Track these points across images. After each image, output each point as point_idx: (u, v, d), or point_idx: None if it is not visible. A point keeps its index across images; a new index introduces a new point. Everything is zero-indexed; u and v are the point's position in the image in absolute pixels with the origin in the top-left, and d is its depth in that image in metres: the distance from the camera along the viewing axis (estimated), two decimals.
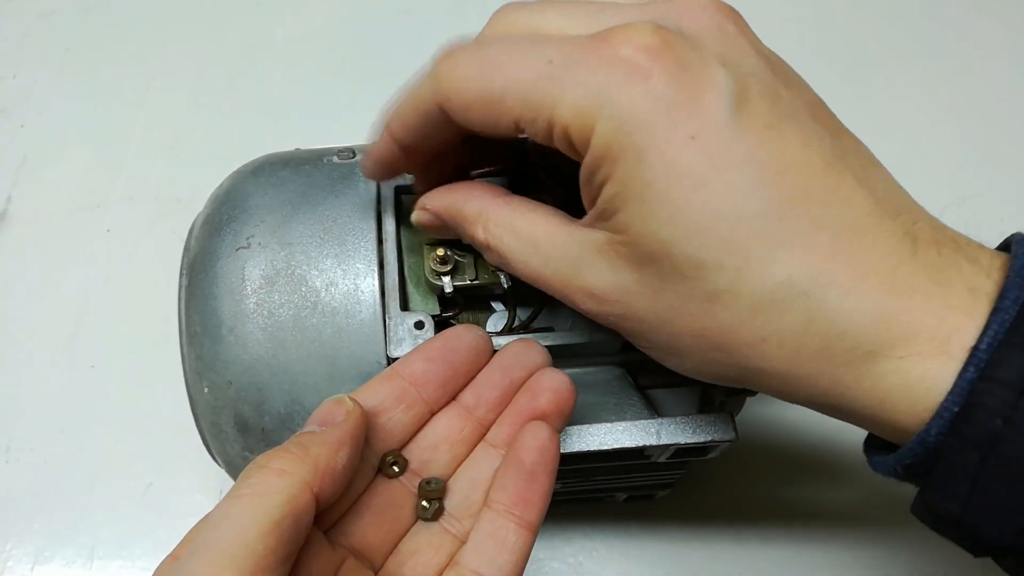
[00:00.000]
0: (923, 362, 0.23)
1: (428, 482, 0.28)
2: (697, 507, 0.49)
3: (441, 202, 0.31)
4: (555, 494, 0.43)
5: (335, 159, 0.36)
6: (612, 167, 0.24)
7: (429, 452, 0.29)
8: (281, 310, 0.33)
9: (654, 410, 0.35)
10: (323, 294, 0.33)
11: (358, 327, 0.32)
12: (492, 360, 0.30)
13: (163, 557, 0.25)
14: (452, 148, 0.31)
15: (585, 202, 0.26)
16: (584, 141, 0.24)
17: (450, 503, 0.29)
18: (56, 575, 0.48)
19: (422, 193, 0.32)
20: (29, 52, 0.67)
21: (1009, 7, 0.69)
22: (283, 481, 0.23)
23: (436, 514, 0.28)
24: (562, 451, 0.32)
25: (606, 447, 0.32)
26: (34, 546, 0.49)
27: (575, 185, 0.27)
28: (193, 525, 0.25)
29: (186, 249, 0.35)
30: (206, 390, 0.33)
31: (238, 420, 0.33)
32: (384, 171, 0.32)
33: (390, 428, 0.29)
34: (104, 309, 0.56)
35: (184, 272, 0.35)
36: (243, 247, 0.33)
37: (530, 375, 0.30)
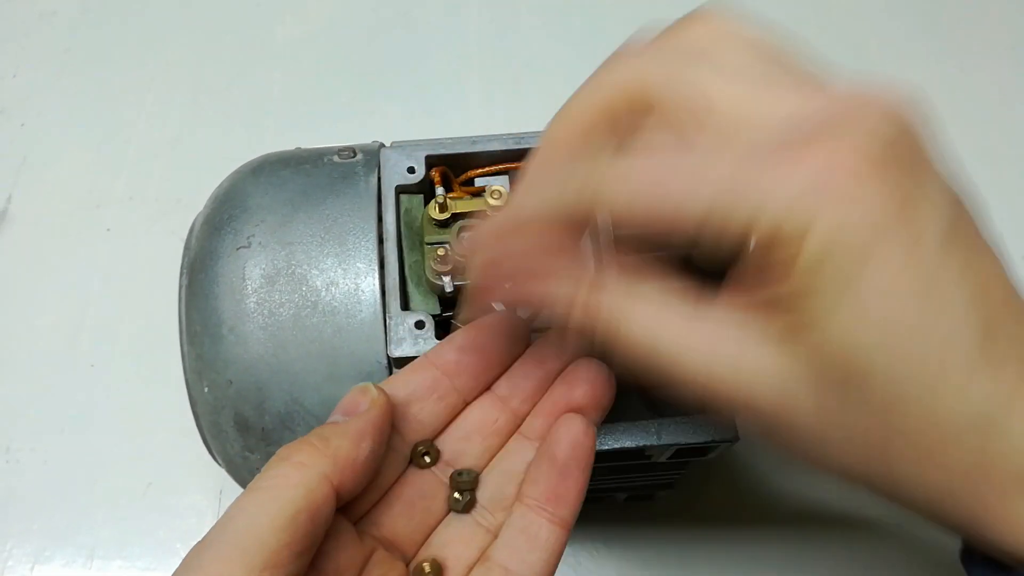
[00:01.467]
0: None
1: (460, 473, 0.28)
2: (697, 507, 0.49)
3: (523, 289, 0.26)
4: None
5: (335, 158, 0.36)
6: (822, 277, 0.21)
7: (462, 443, 0.29)
8: (281, 309, 0.33)
9: (654, 410, 0.35)
10: (323, 293, 0.33)
11: (358, 327, 0.32)
12: (528, 350, 0.30)
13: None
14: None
15: (738, 282, 0.23)
16: (796, 244, 0.21)
17: (483, 495, 0.28)
18: (56, 575, 0.48)
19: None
20: (29, 52, 0.67)
21: (1009, 7, 0.69)
22: (300, 474, 0.23)
23: (468, 506, 0.28)
24: None
25: (606, 447, 0.32)
26: (34, 546, 0.49)
27: None
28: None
29: (186, 249, 0.35)
30: (206, 389, 0.33)
31: (238, 419, 0.33)
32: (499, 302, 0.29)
33: (422, 418, 0.28)
34: (104, 309, 0.56)
35: (184, 272, 0.35)
36: (243, 246, 0.33)
37: (565, 365, 0.29)
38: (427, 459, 0.28)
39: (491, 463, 0.29)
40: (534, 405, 0.29)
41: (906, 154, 0.22)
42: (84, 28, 0.68)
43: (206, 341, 0.33)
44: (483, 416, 0.29)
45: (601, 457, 0.33)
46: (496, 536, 0.27)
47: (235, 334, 0.32)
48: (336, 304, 0.33)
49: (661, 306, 0.24)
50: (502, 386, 0.29)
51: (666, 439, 0.32)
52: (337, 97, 0.65)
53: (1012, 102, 0.64)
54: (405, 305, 0.34)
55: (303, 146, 0.38)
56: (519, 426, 0.29)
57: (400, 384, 0.28)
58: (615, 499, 0.47)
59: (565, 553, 0.47)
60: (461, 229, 0.35)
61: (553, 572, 0.27)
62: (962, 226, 0.22)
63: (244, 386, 0.32)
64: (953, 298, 0.21)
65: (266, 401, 0.32)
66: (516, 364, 0.29)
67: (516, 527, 0.27)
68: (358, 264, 0.33)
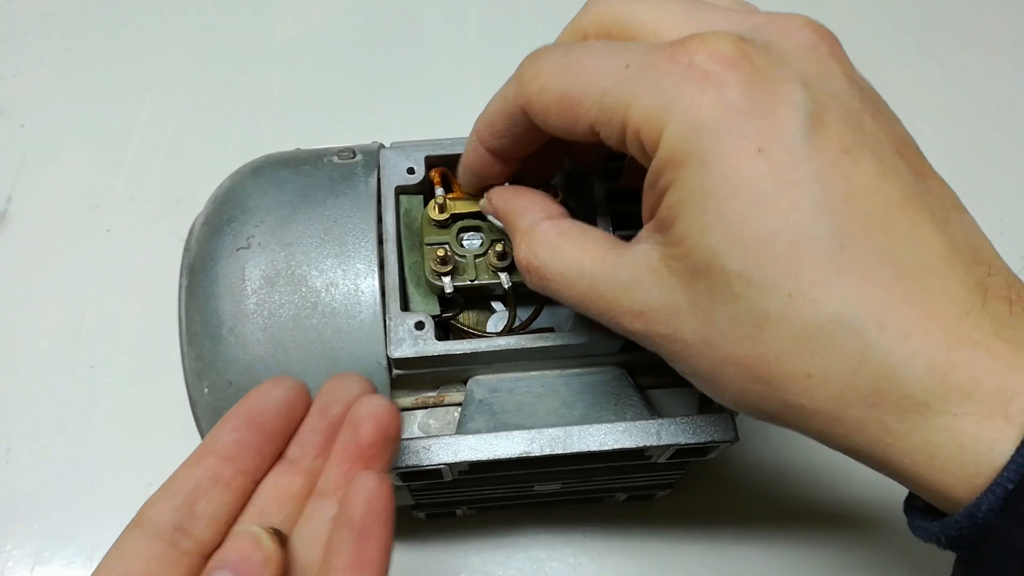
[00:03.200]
0: (979, 422, 0.21)
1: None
2: (697, 507, 0.49)
3: (502, 203, 0.31)
4: (555, 494, 0.43)
5: (335, 159, 0.36)
6: (676, 172, 0.23)
7: (259, 520, 0.27)
8: (281, 310, 0.33)
9: (654, 410, 0.35)
10: (323, 294, 0.33)
11: (358, 327, 0.32)
12: (312, 404, 0.28)
13: None
14: (543, 157, 0.31)
15: (645, 213, 0.26)
16: (653, 144, 0.23)
17: (294, 568, 0.26)
18: (56, 575, 0.48)
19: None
20: (29, 52, 0.67)
21: (1009, 7, 0.69)
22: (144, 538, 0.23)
23: None
24: (563, 451, 0.32)
25: (606, 447, 0.32)
26: (34, 546, 0.49)
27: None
28: None
29: (186, 249, 0.35)
30: (206, 390, 0.33)
31: None
32: (477, 179, 0.33)
33: (211, 512, 0.26)
34: (104, 309, 0.56)
35: (184, 272, 0.35)
36: (243, 247, 0.33)
37: (348, 408, 0.28)
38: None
39: (293, 532, 0.27)
40: (327, 459, 0.28)
41: (778, 56, 0.23)
42: (84, 28, 0.68)
43: (206, 342, 0.33)
44: (277, 486, 0.28)
45: (601, 457, 0.33)
46: None
47: (235, 335, 0.32)
48: (336, 305, 0.33)
49: (584, 242, 0.27)
50: (292, 449, 0.28)
51: (666, 439, 0.33)
52: (337, 97, 0.65)
53: (1012, 102, 0.64)
54: (405, 306, 0.34)
55: (303, 146, 0.38)
56: (315, 484, 0.28)
57: (180, 481, 0.27)
58: (615, 499, 0.48)
59: (565, 553, 0.48)
60: (461, 230, 0.35)
61: None
62: (837, 130, 0.22)
63: (244, 387, 0.32)
64: (803, 201, 0.22)
65: None
66: (303, 423, 0.28)
67: None
68: (358, 265, 0.33)
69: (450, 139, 0.37)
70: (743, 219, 0.22)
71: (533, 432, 0.32)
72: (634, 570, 0.47)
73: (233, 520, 0.27)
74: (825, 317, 0.22)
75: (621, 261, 0.26)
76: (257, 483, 0.28)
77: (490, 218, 0.33)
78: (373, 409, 0.27)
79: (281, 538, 0.25)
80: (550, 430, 0.33)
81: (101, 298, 0.56)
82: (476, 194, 0.34)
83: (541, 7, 0.67)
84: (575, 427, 0.33)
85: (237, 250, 0.33)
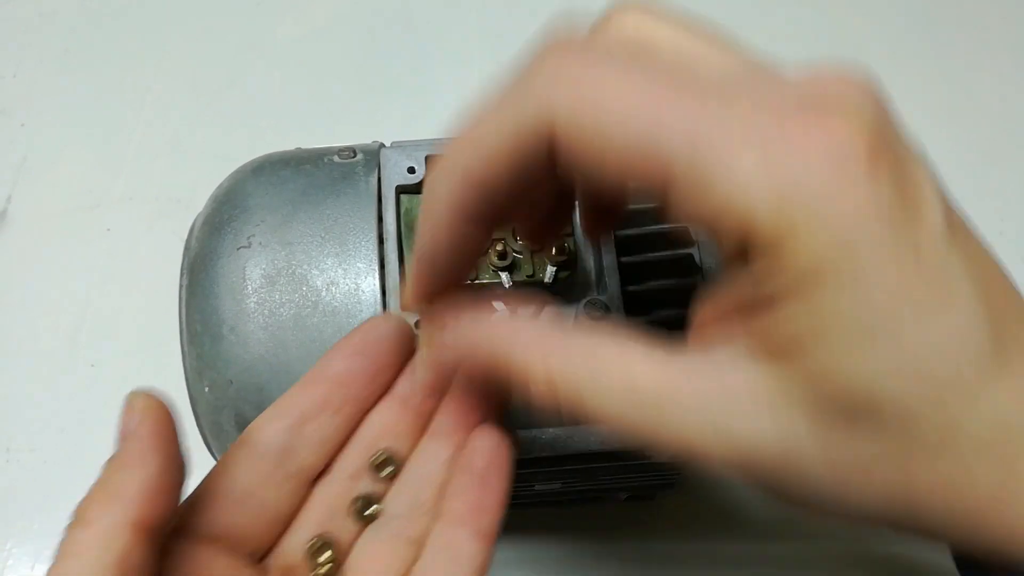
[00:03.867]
0: None
1: (357, 499, 0.27)
2: (697, 507, 0.49)
3: (466, 340, 0.24)
4: (555, 494, 0.43)
5: (336, 158, 0.36)
6: (811, 290, 0.18)
7: (369, 452, 0.27)
8: (282, 309, 0.33)
9: None
10: (324, 293, 0.33)
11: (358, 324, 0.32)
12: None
13: None
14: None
15: (738, 327, 0.21)
16: (775, 252, 0.18)
17: (400, 504, 0.27)
18: None
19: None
20: (29, 52, 0.67)
21: (1009, 7, 0.69)
22: (91, 533, 0.22)
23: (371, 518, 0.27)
24: (563, 451, 0.32)
25: (606, 447, 0.32)
26: (34, 546, 0.49)
27: None
28: None
29: (186, 249, 0.35)
30: (207, 389, 0.33)
31: (239, 419, 0.33)
32: (439, 276, 0.25)
33: (319, 436, 0.27)
34: (104, 309, 0.56)
35: (184, 271, 0.35)
36: (244, 246, 0.33)
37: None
38: (372, 509, 0.27)
39: (404, 468, 0.27)
40: (439, 399, 0.28)
41: (893, 141, 0.19)
42: (84, 28, 0.68)
43: (206, 341, 0.33)
44: (386, 420, 0.27)
45: (602, 457, 0.33)
46: (418, 545, 0.26)
47: (235, 334, 0.32)
48: (336, 304, 0.33)
49: (628, 358, 0.21)
50: (402, 385, 0.28)
51: None
52: (337, 97, 0.65)
53: (1012, 102, 0.64)
54: None
55: (303, 146, 0.38)
56: (426, 424, 0.28)
57: (289, 404, 0.27)
58: (615, 499, 0.47)
59: (566, 554, 0.48)
60: None
61: None
62: (955, 219, 0.20)
63: (245, 386, 0.32)
64: (959, 302, 0.19)
65: (267, 401, 0.32)
66: (414, 358, 0.28)
67: (438, 545, 0.25)
68: (358, 264, 0.33)
69: (451, 138, 0.37)
70: (911, 342, 0.18)
71: (533, 432, 0.32)
72: (634, 570, 0.47)
73: (339, 447, 0.27)
74: (988, 431, 0.19)
75: (696, 381, 0.20)
76: (365, 413, 0.28)
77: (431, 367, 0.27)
78: None
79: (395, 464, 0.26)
80: (550, 430, 0.33)
81: (101, 298, 0.56)
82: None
83: (541, 7, 0.67)
84: (575, 427, 0.33)
85: (238, 249, 0.33)
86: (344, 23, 0.69)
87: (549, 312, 0.25)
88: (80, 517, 0.22)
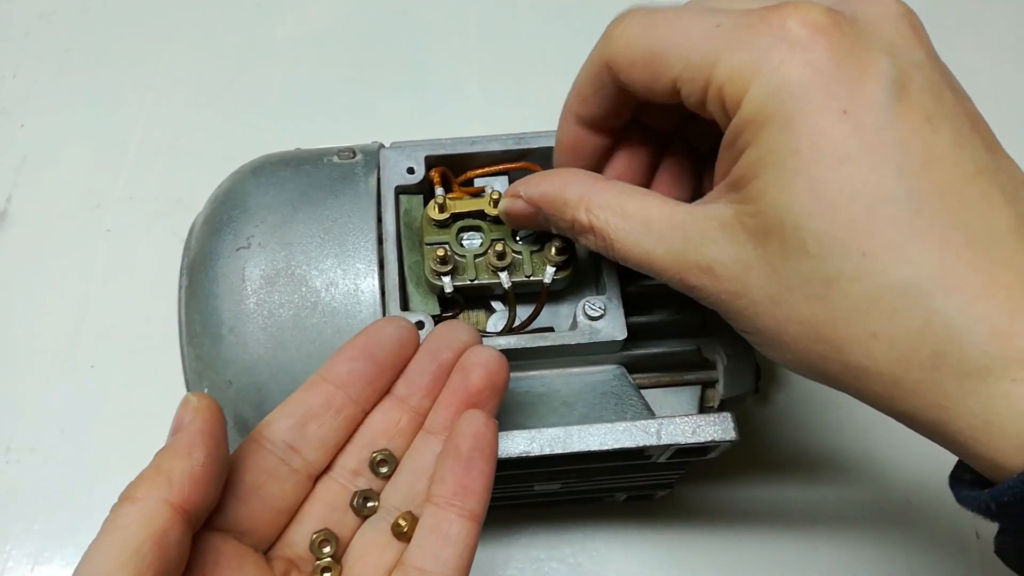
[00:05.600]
0: None
1: (357, 495, 0.29)
2: (697, 507, 0.49)
3: (537, 188, 0.31)
4: (555, 494, 0.43)
5: (335, 159, 0.36)
6: (757, 131, 0.23)
7: (367, 451, 0.29)
8: (281, 310, 0.33)
9: (654, 410, 0.35)
10: (323, 294, 0.33)
11: (358, 327, 0.32)
12: (421, 346, 0.30)
13: None
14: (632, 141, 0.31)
15: (718, 172, 0.26)
16: (735, 102, 0.24)
17: (396, 497, 0.29)
18: (56, 575, 0.48)
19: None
20: (29, 52, 0.67)
21: (1009, 7, 0.69)
22: (137, 508, 0.24)
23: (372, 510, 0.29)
24: (563, 451, 0.32)
25: (606, 447, 0.32)
26: (34, 546, 0.49)
27: None
28: None
29: (186, 249, 0.35)
30: (206, 390, 0.33)
31: (238, 420, 0.33)
32: (573, 158, 0.31)
33: (321, 435, 0.29)
34: (104, 309, 0.56)
35: (184, 272, 0.35)
36: (243, 247, 0.33)
37: (459, 355, 0.30)
38: (370, 505, 0.29)
39: (400, 464, 0.29)
40: (434, 399, 0.30)
41: (846, 30, 0.23)
42: (84, 28, 0.68)
43: (206, 341, 0.33)
44: (385, 420, 0.30)
45: (601, 457, 0.33)
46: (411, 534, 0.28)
47: (235, 335, 0.32)
48: (336, 305, 0.33)
49: (647, 198, 0.28)
50: (400, 387, 0.30)
51: (666, 439, 0.32)
52: (337, 97, 0.65)
53: (1012, 102, 0.64)
54: (405, 306, 0.34)
55: (303, 146, 0.38)
56: (423, 423, 0.30)
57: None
58: (615, 499, 0.48)
59: (565, 553, 0.48)
60: (461, 230, 0.35)
61: (468, 565, 0.27)
62: (920, 99, 0.23)
63: (244, 386, 0.32)
64: (884, 164, 0.22)
65: (266, 402, 0.32)
66: (411, 362, 0.30)
67: (427, 527, 0.27)
68: (358, 265, 0.33)
69: (450, 139, 0.37)
70: (824, 178, 0.22)
71: (533, 432, 0.32)
72: (634, 570, 0.47)
73: (341, 446, 0.29)
74: (896, 279, 0.22)
75: (691, 217, 0.26)
76: (366, 414, 0.30)
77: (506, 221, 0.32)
78: (485, 358, 0.29)
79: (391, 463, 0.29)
80: (550, 430, 0.33)
81: (101, 298, 0.56)
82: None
83: (541, 7, 0.67)
84: (575, 427, 0.33)
85: (237, 250, 0.33)
86: (344, 23, 0.69)
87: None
88: (128, 495, 0.24)
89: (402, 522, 0.28)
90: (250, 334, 0.32)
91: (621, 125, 0.31)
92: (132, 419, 0.52)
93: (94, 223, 0.59)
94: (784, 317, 0.24)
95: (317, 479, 0.29)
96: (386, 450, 0.29)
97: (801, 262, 0.23)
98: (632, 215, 0.27)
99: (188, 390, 0.34)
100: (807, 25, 0.23)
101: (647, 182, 0.33)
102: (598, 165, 0.32)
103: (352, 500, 0.28)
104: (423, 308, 0.34)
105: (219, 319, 0.33)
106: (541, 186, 0.30)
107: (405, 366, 0.30)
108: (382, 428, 0.29)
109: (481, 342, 0.30)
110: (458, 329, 0.30)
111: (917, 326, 0.22)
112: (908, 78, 0.23)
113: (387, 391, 0.30)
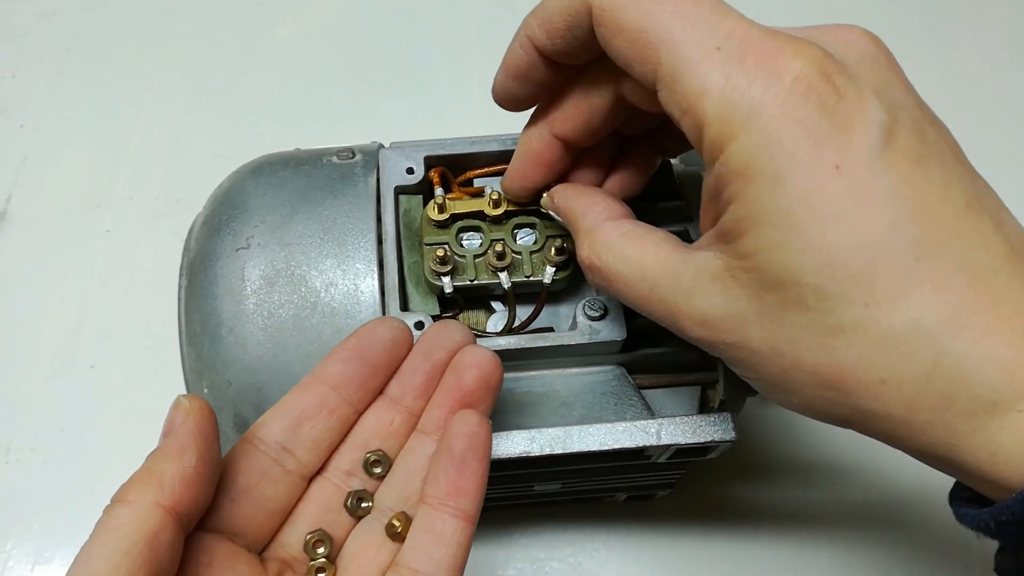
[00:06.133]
0: None
1: (350, 496, 0.29)
2: (697, 507, 0.49)
3: (564, 202, 0.31)
4: (555, 494, 0.43)
5: (335, 159, 0.36)
6: (745, 186, 0.23)
7: (361, 452, 0.29)
8: (281, 310, 0.33)
9: (654, 410, 0.35)
10: (323, 294, 0.33)
11: (358, 327, 0.32)
12: (414, 346, 0.30)
13: None
14: (599, 152, 0.32)
15: (704, 219, 0.26)
16: (718, 146, 0.23)
17: (389, 497, 0.29)
18: (56, 575, 0.48)
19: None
20: (29, 52, 0.67)
21: (1009, 7, 0.69)
22: (128, 510, 0.24)
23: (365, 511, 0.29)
24: (563, 451, 0.32)
25: (606, 447, 0.32)
26: (34, 546, 0.49)
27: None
28: None
29: (186, 249, 0.35)
30: (206, 390, 0.33)
31: (238, 420, 0.33)
32: (519, 85, 0.30)
33: (315, 436, 0.28)
34: (104, 309, 0.56)
35: (184, 272, 0.35)
36: (243, 247, 0.33)
37: (452, 355, 0.30)
38: (364, 505, 0.29)
39: (394, 464, 0.29)
40: (427, 400, 0.30)
41: (836, 78, 0.23)
42: (84, 28, 0.68)
43: (205, 342, 0.33)
44: (378, 421, 0.30)
45: (601, 457, 0.33)
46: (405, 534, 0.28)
47: (234, 335, 0.32)
48: (335, 305, 0.33)
49: (645, 244, 0.27)
50: (393, 387, 0.30)
51: (666, 439, 0.33)
52: (337, 97, 0.65)
53: (1012, 102, 0.64)
54: (404, 306, 0.34)
55: (303, 146, 0.38)
56: (416, 423, 0.30)
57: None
58: (615, 499, 0.48)
59: (565, 553, 0.48)
60: (460, 230, 0.35)
61: (462, 565, 0.27)
62: (907, 142, 0.23)
63: (243, 387, 0.32)
64: (880, 216, 0.22)
65: (265, 402, 0.32)
66: (404, 363, 0.30)
67: (421, 527, 0.27)
68: (357, 265, 0.33)
69: (450, 139, 0.37)
70: (820, 236, 0.22)
71: (533, 432, 0.32)
72: (634, 570, 0.47)
73: (335, 447, 0.29)
74: (902, 325, 0.22)
75: (683, 267, 0.26)
76: (359, 415, 0.30)
77: (552, 214, 0.33)
78: (478, 358, 0.29)
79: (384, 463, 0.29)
80: (550, 430, 0.33)
81: (101, 298, 0.56)
82: (521, 198, 0.34)
83: None
84: (575, 427, 0.33)
85: (237, 250, 0.33)
86: (344, 23, 0.69)
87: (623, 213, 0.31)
88: (120, 497, 0.24)
89: (396, 523, 0.28)
90: (250, 334, 0.32)
91: (582, 65, 0.29)
92: (132, 419, 0.52)
93: (94, 223, 0.59)
94: (788, 366, 0.24)
95: (311, 480, 0.29)
96: (380, 451, 0.29)
97: (802, 315, 0.23)
98: (630, 260, 0.27)
99: (188, 390, 0.34)
100: (801, 79, 0.23)
101: (606, 173, 0.33)
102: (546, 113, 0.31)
103: (346, 501, 0.28)
104: (423, 308, 0.34)
105: (219, 319, 0.33)
106: (568, 201, 0.31)
107: (398, 367, 0.30)
108: (375, 429, 0.29)
109: (475, 342, 0.30)
110: (451, 329, 0.30)
111: (925, 369, 0.22)
112: (895, 121, 0.23)
113: (380, 392, 0.30)
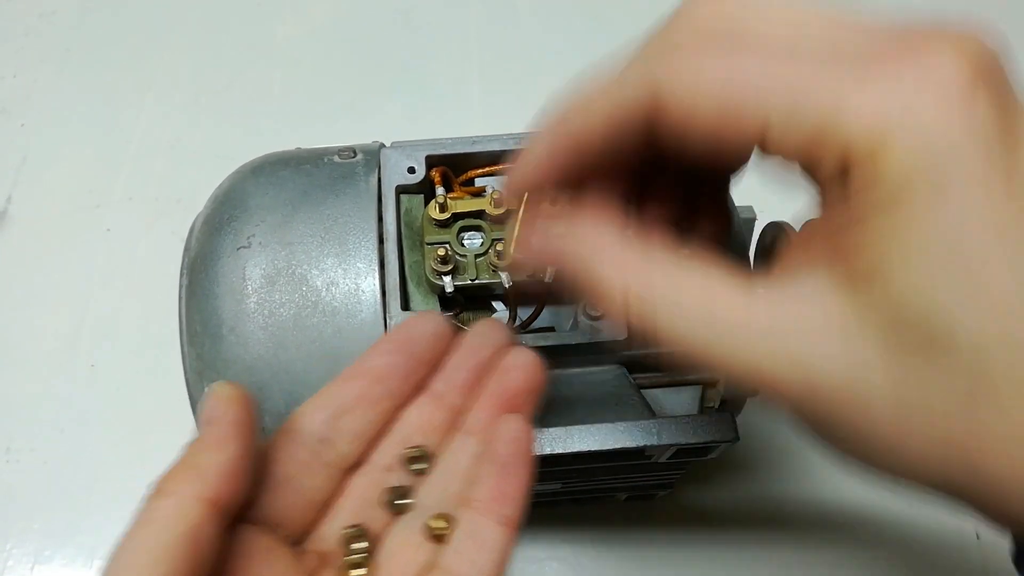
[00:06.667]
0: None
1: (389, 491, 0.28)
2: (697, 507, 0.49)
3: (557, 245, 0.25)
4: (555, 494, 0.43)
5: (336, 158, 0.36)
6: (896, 207, 0.18)
7: (402, 446, 0.29)
8: (282, 310, 0.33)
9: (654, 410, 0.35)
10: (324, 294, 0.33)
11: (359, 327, 0.32)
12: (460, 342, 0.30)
13: None
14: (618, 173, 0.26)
15: (815, 248, 0.21)
16: (866, 161, 0.19)
17: (429, 496, 0.28)
18: (56, 575, 0.48)
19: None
20: (29, 52, 0.67)
21: (1009, 7, 0.69)
22: (170, 502, 0.23)
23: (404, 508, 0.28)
24: (563, 451, 0.32)
25: (606, 447, 0.32)
26: (34, 546, 0.49)
27: None
28: None
29: (186, 249, 0.35)
30: (207, 389, 0.33)
31: None
32: (536, 185, 0.25)
33: (354, 428, 0.28)
34: (104, 309, 0.56)
35: (184, 272, 0.35)
36: (244, 246, 0.33)
37: (496, 353, 0.29)
38: (405, 502, 0.28)
39: (435, 463, 0.29)
40: (470, 398, 0.29)
41: (996, 79, 0.19)
42: (84, 28, 0.68)
43: (206, 341, 0.33)
44: (421, 417, 0.29)
45: (601, 457, 0.33)
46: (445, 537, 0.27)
47: (235, 334, 0.32)
48: (336, 304, 0.33)
49: (710, 285, 0.21)
50: (437, 383, 0.29)
51: (666, 439, 0.33)
52: (337, 97, 0.65)
53: None
54: (405, 305, 0.34)
55: (303, 146, 0.38)
56: (459, 421, 0.29)
57: (328, 398, 0.28)
58: (615, 499, 0.48)
59: (566, 554, 0.48)
60: (461, 230, 0.35)
61: (503, 572, 0.26)
62: None
63: (245, 386, 0.32)
64: None
65: (266, 401, 0.32)
66: (449, 358, 0.29)
67: (464, 531, 0.27)
68: (358, 264, 0.33)
69: (450, 138, 0.37)
70: (996, 274, 0.18)
71: (533, 432, 0.32)
72: (634, 570, 0.47)
73: (375, 440, 0.28)
74: None
75: (780, 311, 0.20)
76: (400, 408, 0.29)
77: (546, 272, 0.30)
78: (523, 361, 0.28)
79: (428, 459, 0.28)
80: (550, 430, 0.33)
81: (101, 298, 0.56)
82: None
83: (542, 7, 0.67)
84: (575, 427, 0.33)
85: (238, 249, 0.33)
86: (344, 23, 0.69)
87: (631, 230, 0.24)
88: (160, 489, 0.24)
89: (437, 523, 0.27)
90: (251, 334, 0.32)
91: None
92: (132, 419, 0.52)
93: (94, 223, 0.59)
94: (907, 435, 0.19)
95: (350, 473, 0.28)
96: (421, 447, 0.28)
97: (946, 362, 0.18)
98: (690, 303, 0.21)
99: (188, 390, 0.34)
100: (967, 68, 0.18)
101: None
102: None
103: (385, 496, 0.28)
104: (424, 308, 0.34)
105: (220, 319, 0.33)
106: (561, 243, 0.24)
107: (439, 361, 0.29)
108: (417, 424, 0.29)
109: (520, 342, 0.29)
110: (497, 328, 0.30)
111: None
112: None
113: (422, 387, 0.29)
